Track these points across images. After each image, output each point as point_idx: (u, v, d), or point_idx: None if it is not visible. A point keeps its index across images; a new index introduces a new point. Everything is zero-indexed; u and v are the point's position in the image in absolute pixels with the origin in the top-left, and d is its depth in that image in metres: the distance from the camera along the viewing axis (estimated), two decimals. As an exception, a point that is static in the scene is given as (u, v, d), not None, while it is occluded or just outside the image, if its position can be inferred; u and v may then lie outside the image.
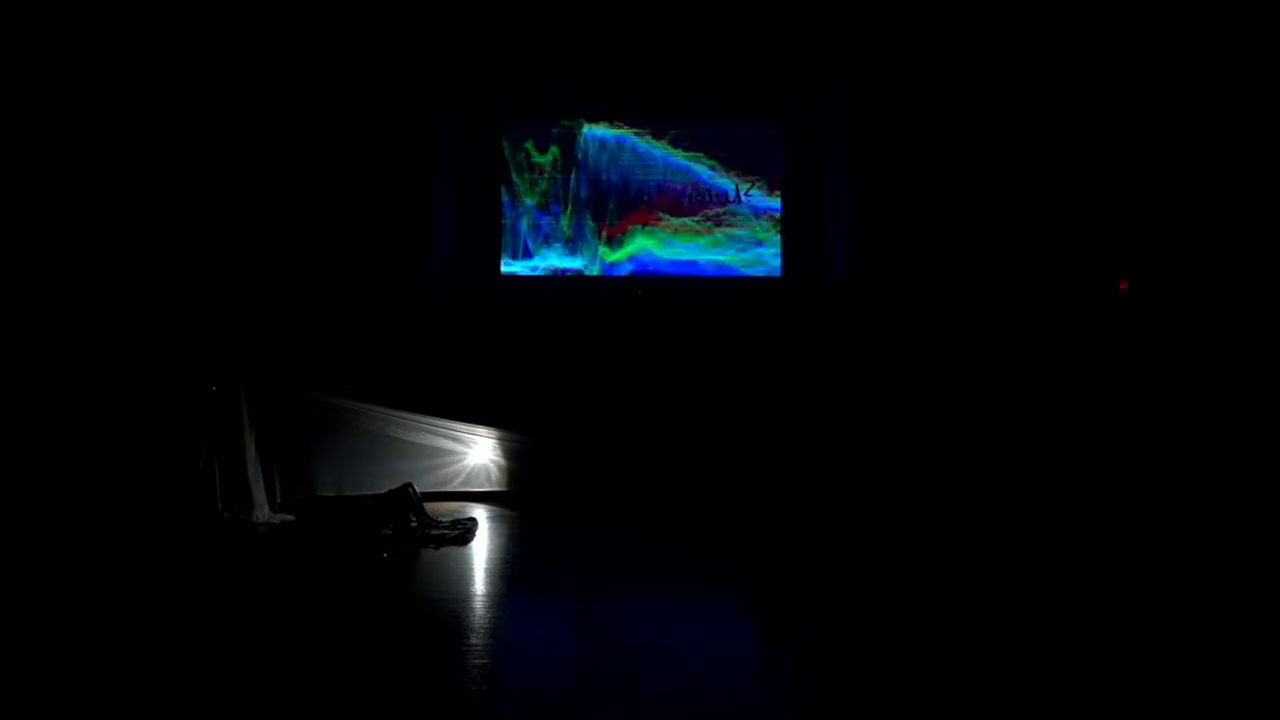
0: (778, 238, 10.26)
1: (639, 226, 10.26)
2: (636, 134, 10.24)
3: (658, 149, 10.25)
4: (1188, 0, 8.91)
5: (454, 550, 6.62)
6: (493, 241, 10.23)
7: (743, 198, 10.15)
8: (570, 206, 10.24)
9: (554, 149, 10.25)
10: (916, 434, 8.46)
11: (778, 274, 10.27)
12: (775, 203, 10.27)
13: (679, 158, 10.24)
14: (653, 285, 10.19)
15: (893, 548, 6.76)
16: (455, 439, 8.31)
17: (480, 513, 7.77)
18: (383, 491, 7.46)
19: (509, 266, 10.23)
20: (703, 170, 10.25)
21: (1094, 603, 5.39)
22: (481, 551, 6.65)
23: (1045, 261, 9.31)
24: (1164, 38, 8.95)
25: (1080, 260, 9.29)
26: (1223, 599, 5.44)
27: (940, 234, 9.45)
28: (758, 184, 10.21)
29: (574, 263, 10.24)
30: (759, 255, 10.27)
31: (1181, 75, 8.94)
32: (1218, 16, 8.79)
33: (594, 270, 10.25)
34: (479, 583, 5.93)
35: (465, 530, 7.04)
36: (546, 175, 10.23)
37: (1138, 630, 4.90)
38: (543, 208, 10.23)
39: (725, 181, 10.25)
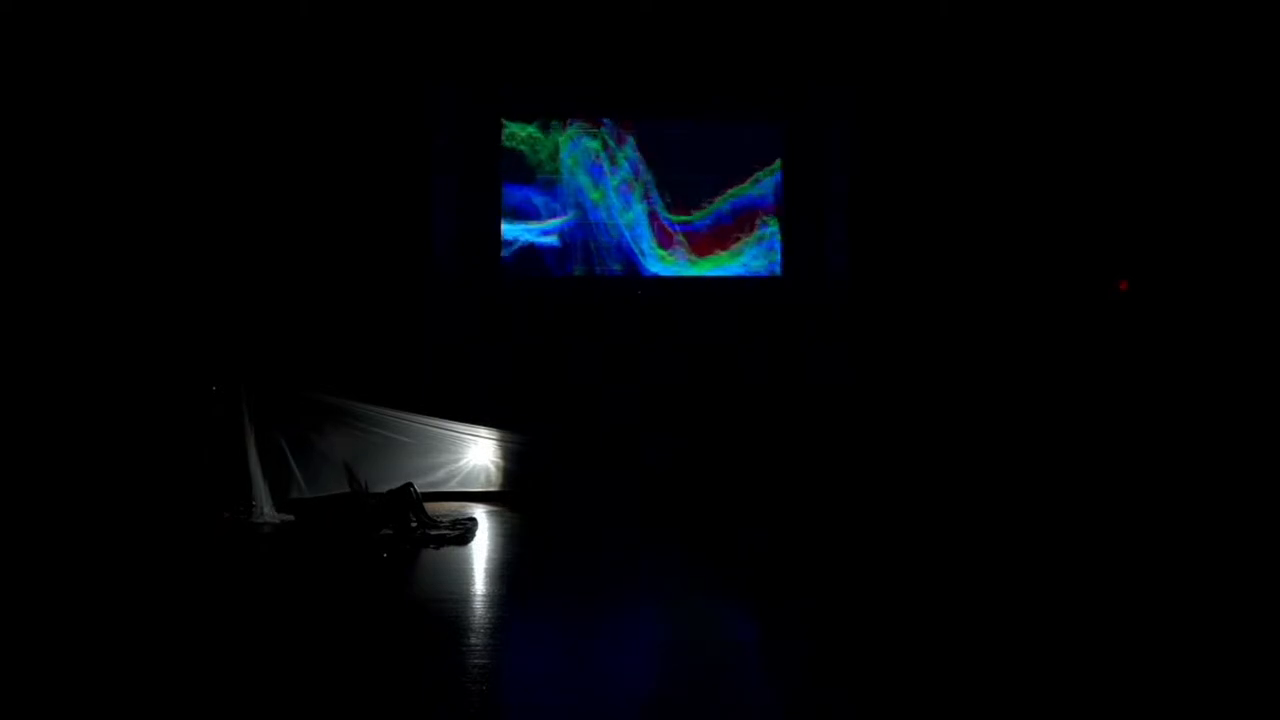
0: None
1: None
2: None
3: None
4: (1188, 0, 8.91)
5: (454, 550, 6.64)
6: (493, 240, 10.23)
7: None
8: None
9: (553, 146, 10.27)
10: (916, 432, 8.47)
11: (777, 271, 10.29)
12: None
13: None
14: (652, 285, 10.20)
15: (895, 549, 6.76)
16: (455, 439, 8.32)
17: (480, 513, 7.79)
18: (383, 491, 7.48)
19: (506, 250, 10.23)
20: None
21: (1093, 604, 5.40)
22: (481, 551, 6.67)
23: (1046, 259, 9.31)
24: (1164, 36, 8.95)
25: (1081, 259, 9.30)
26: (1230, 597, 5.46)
27: (940, 233, 9.46)
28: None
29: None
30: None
31: (1182, 74, 8.95)
32: (1217, 16, 8.79)
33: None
34: (479, 583, 5.94)
35: (465, 530, 7.06)
36: (545, 172, 10.26)
37: (1135, 631, 4.92)
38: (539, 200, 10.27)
39: None
